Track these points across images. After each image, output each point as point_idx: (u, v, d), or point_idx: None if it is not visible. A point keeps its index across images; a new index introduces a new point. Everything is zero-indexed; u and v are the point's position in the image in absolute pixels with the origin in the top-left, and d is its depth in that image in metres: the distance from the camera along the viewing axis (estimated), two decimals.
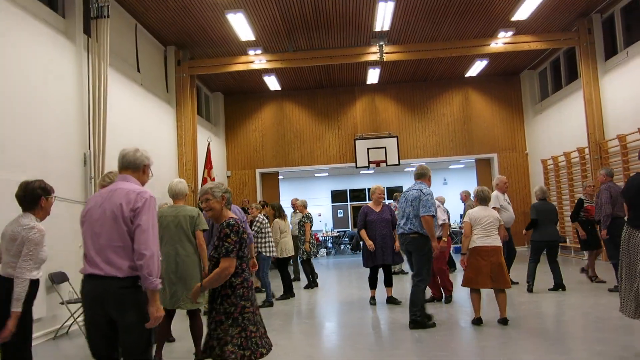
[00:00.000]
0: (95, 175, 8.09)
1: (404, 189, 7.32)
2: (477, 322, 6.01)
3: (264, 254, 8.46)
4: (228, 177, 16.59)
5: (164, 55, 12.34)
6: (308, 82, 15.90)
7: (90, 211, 3.09)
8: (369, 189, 20.72)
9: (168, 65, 12.33)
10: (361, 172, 21.15)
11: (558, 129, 14.13)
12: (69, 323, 7.21)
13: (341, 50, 12.61)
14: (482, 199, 6.33)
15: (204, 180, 12.11)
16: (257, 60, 12.78)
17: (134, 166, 3.26)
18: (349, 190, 23.39)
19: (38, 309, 6.62)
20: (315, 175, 22.22)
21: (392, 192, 14.49)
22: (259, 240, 8.52)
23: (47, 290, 6.97)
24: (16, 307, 3.48)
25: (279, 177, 17.45)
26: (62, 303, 6.99)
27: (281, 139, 16.67)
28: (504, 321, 5.94)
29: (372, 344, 5.77)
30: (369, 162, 15.91)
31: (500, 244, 6.13)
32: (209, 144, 12.49)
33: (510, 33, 12.17)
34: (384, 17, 10.86)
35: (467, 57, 14.02)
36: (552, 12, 11.43)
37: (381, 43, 12.07)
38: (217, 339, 3.46)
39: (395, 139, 15.95)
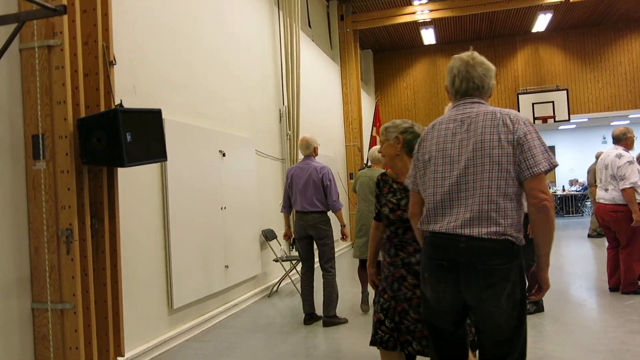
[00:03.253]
0: (292, 132, 7.95)
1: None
2: None
3: None
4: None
5: (327, 11, 11.99)
6: (466, 33, 14.84)
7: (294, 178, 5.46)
8: None
9: (331, 20, 11.97)
10: None
11: None
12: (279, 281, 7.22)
13: None
14: None
15: (373, 139, 11.74)
16: (420, 11, 12.03)
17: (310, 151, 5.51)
18: None
19: (253, 267, 6.69)
20: None
21: None
22: None
23: (261, 246, 6.97)
24: None
25: None
26: (275, 260, 6.98)
27: (434, 96, 15.85)
28: None
29: None
30: (534, 118, 14.62)
31: None
32: (377, 101, 12.05)
33: None
34: None
35: None
36: None
37: None
38: (408, 332, 2.81)
39: (565, 92, 14.46)
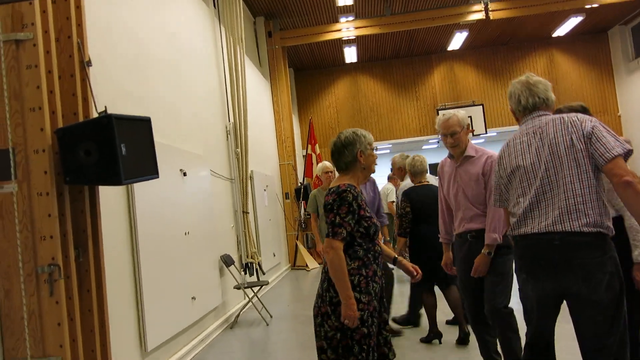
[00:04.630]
0: (241, 150, 7.47)
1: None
2: None
3: None
4: (304, 156, 15.93)
5: (254, 27, 11.65)
6: (386, 51, 15.15)
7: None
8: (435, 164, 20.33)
9: (259, 37, 11.64)
10: (423, 146, 20.49)
11: None
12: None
13: (439, 11, 11.85)
14: None
15: (309, 157, 11.48)
16: (345, 28, 12.09)
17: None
18: None
19: (216, 297, 6.07)
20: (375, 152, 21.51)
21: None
22: None
23: (219, 273, 6.39)
24: None
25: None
26: (237, 288, 6.43)
27: (357, 114, 15.97)
28: None
29: None
30: None
31: None
32: (311, 119, 11.85)
33: None
34: None
35: (561, 13, 13.21)
36: None
37: (486, 0, 11.34)
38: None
39: (481, 107, 15.20)
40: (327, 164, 5.81)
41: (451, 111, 3.76)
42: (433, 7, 11.83)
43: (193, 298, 5.23)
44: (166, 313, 4.58)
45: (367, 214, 2.86)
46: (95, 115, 2.99)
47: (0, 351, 2.66)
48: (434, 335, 4.73)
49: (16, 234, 2.65)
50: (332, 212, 2.73)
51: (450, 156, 3.76)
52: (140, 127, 3.04)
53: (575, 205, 2.36)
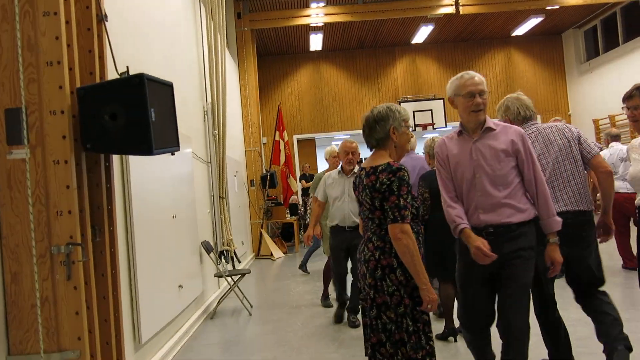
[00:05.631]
0: (219, 132, 7.10)
1: None
2: None
3: None
4: (264, 144, 15.56)
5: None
6: (351, 41, 14.98)
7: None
8: None
9: (228, 18, 11.17)
10: None
11: (612, 88, 13.91)
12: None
13: (410, 2, 11.81)
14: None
15: (277, 144, 11.17)
16: (315, 14, 11.84)
17: None
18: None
19: (198, 286, 5.56)
20: (332, 143, 21.42)
21: None
22: None
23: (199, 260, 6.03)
24: None
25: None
26: (219, 276, 6.10)
27: (319, 102, 15.73)
28: None
29: None
30: (416, 126, 15.26)
31: None
32: (279, 105, 11.52)
33: None
34: None
35: (523, 13, 13.50)
36: None
37: None
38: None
39: (442, 101, 15.34)
40: (335, 147, 5.61)
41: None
42: None
43: (180, 286, 4.87)
44: (158, 302, 4.22)
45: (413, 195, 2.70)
46: (113, 76, 2.64)
47: (4, 345, 2.28)
48: (449, 331, 4.38)
49: (28, 208, 2.27)
50: (394, 195, 2.51)
51: (457, 134, 3.13)
52: (163, 93, 2.71)
53: (577, 190, 3.29)
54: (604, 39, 14.77)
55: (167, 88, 2.74)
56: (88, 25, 2.58)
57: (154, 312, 4.10)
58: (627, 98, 3.25)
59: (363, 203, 2.72)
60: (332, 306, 5.86)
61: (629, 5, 13.36)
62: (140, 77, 2.35)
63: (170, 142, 2.71)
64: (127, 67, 2.62)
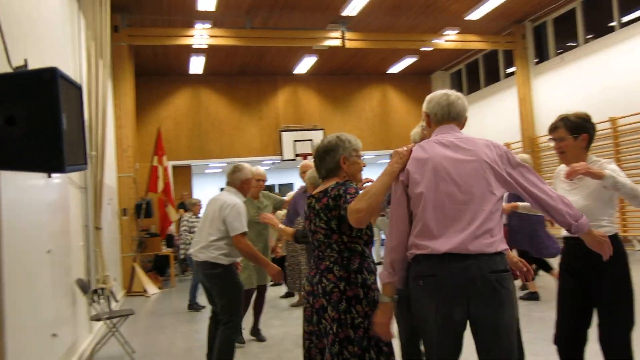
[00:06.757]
0: (98, 153, 6.28)
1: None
2: None
3: None
4: (136, 169, 14.41)
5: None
6: (234, 67, 14.63)
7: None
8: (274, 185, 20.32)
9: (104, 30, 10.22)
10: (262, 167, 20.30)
11: (472, 129, 15.14)
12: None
13: (298, 32, 11.81)
14: None
15: (154, 169, 10.33)
16: (200, 34, 11.36)
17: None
18: None
19: (70, 331, 4.68)
20: (206, 171, 20.67)
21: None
22: None
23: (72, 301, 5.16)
24: None
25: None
26: (97, 319, 5.25)
27: (197, 127, 15.06)
28: None
29: None
30: (296, 155, 15.24)
31: None
32: (159, 128, 10.72)
33: (456, 31, 12.70)
34: (355, 3, 10.57)
35: (400, 52, 14.25)
36: (496, 17, 12.16)
37: (343, 28, 11.67)
38: None
39: (322, 131, 15.52)
40: (261, 170, 5.21)
41: None
42: (292, 27, 11.74)
43: (54, 335, 4.05)
44: (29, 356, 3.42)
45: None
46: (3, 70, 2.04)
47: None
48: None
49: None
50: (343, 197, 2.46)
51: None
52: (73, 96, 2.16)
53: None
54: (468, 82, 16.13)
55: (76, 91, 2.19)
56: None
57: None
58: (552, 130, 3.15)
59: (317, 231, 2.56)
60: (244, 342, 5.41)
61: (490, 53, 14.78)
62: (53, 72, 1.81)
63: (79, 158, 2.15)
64: (26, 60, 2.04)
